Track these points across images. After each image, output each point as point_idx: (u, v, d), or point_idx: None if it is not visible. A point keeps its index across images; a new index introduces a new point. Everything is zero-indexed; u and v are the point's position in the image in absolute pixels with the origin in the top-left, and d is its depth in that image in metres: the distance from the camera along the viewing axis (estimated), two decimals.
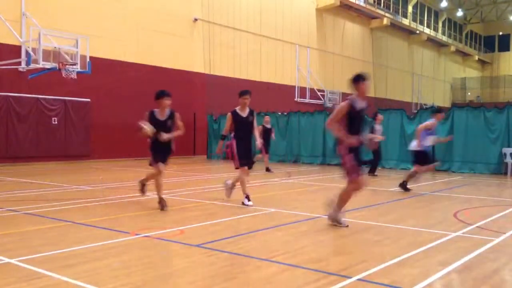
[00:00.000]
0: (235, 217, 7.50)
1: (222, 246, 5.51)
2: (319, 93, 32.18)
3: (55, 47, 16.17)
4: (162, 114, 7.89)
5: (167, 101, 7.85)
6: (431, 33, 47.48)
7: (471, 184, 12.67)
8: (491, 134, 15.68)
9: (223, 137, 8.79)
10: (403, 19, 42.67)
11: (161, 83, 21.88)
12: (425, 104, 41.62)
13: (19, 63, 17.04)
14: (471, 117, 16.08)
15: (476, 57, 56.95)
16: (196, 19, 24.44)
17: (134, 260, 4.90)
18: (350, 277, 4.34)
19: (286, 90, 30.00)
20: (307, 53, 31.71)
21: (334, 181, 13.40)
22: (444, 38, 50.22)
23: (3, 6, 17.02)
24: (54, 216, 7.28)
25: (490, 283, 4.29)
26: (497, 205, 9.11)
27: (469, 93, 52.81)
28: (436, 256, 5.12)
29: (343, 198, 6.61)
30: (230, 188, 9.04)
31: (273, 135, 16.31)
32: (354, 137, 6.34)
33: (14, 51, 17.19)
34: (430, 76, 47.97)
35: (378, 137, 13.36)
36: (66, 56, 16.33)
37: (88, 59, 16.82)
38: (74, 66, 16.39)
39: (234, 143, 8.58)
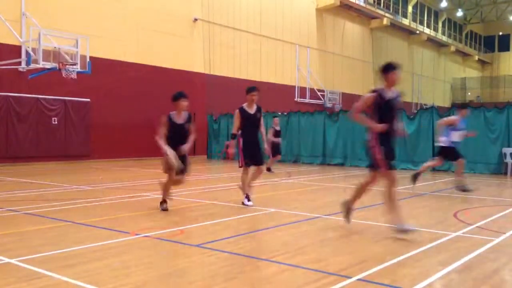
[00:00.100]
0: (235, 217, 7.49)
1: (222, 246, 5.50)
2: (319, 93, 32.18)
3: (55, 47, 16.17)
4: (179, 117, 7.62)
5: (184, 103, 7.58)
6: (431, 33, 47.49)
7: (471, 184, 12.66)
8: (491, 134, 15.69)
9: (234, 136, 8.52)
10: (403, 19, 42.69)
11: (161, 83, 21.96)
12: (425, 104, 41.61)
13: (19, 63, 17.05)
14: (471, 117, 15.97)
15: (476, 57, 56.95)
16: (196, 19, 24.44)
17: (134, 260, 4.90)
18: (350, 277, 4.34)
19: (286, 90, 30.00)
20: (307, 53, 31.71)
21: (334, 181, 13.41)
22: (444, 38, 50.22)
23: (3, 6, 17.02)
24: (54, 216, 7.28)
25: (490, 283, 4.29)
26: (497, 205, 9.11)
27: (469, 93, 52.81)
28: (436, 256, 5.12)
29: (388, 200, 6.04)
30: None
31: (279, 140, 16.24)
32: (383, 125, 5.94)
33: (14, 51, 17.20)
34: (430, 76, 47.98)
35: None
36: (66, 56, 16.33)
37: (88, 59, 16.82)
38: (74, 66, 16.40)
39: (240, 141, 8.46)
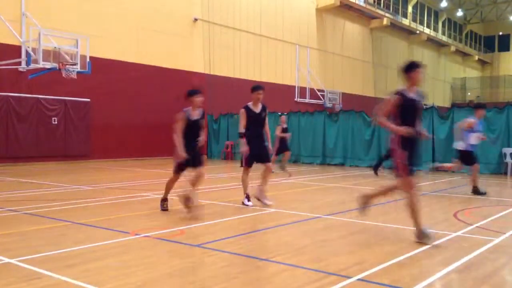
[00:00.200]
0: (235, 217, 7.49)
1: (222, 246, 5.50)
2: (319, 93, 32.17)
3: (55, 47, 16.16)
4: (194, 113, 7.58)
5: (199, 99, 7.57)
6: (431, 33, 47.47)
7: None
8: (491, 134, 15.66)
9: (242, 135, 8.38)
10: (403, 19, 42.67)
11: (161, 83, 21.97)
12: (425, 105, 41.62)
13: (19, 63, 17.04)
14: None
15: (476, 57, 56.93)
16: (196, 19, 24.43)
17: (134, 260, 4.90)
18: (350, 277, 4.34)
19: (286, 90, 29.99)
20: (307, 53, 31.70)
21: (334, 181, 13.41)
22: (444, 38, 50.21)
23: (3, 6, 17.02)
24: (54, 216, 7.28)
25: (490, 283, 4.29)
26: (497, 205, 9.11)
27: (469, 93, 52.80)
28: (436, 256, 5.12)
29: (412, 210, 5.78)
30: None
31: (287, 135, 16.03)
32: (406, 128, 5.69)
33: (14, 51, 17.19)
34: (430, 76, 47.93)
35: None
36: (66, 56, 16.32)
37: (88, 59, 16.81)
38: (74, 66, 16.38)
39: (244, 140, 8.37)
